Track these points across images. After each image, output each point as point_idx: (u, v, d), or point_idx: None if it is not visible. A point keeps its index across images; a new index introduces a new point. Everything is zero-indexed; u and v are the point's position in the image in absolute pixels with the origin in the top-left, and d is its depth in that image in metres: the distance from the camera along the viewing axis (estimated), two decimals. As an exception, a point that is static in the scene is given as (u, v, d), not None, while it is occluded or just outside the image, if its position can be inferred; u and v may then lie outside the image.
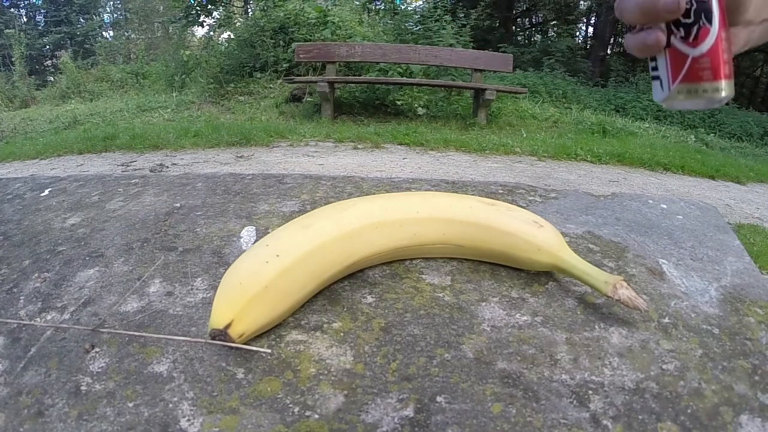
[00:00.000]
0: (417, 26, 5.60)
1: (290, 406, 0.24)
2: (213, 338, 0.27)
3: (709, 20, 0.37)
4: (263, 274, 0.28)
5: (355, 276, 0.34)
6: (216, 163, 3.31)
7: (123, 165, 3.30)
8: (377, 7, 6.80)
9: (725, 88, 0.38)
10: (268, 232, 0.33)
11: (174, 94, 6.08)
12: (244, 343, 0.28)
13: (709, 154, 4.25)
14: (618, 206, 0.48)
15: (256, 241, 0.38)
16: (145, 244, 0.40)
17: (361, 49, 4.26)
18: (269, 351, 0.27)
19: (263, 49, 5.78)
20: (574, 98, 5.77)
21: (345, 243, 0.32)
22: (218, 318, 0.27)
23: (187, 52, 6.85)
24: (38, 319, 0.31)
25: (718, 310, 0.32)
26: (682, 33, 0.38)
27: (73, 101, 6.50)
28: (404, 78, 4.40)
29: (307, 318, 0.30)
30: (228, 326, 0.27)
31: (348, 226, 0.32)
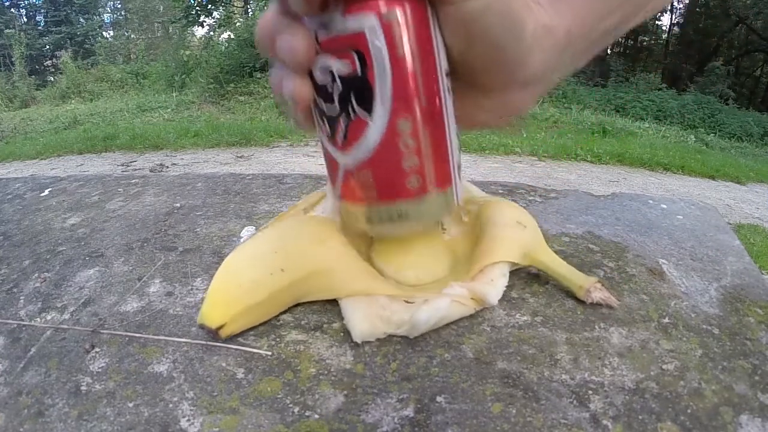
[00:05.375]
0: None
1: (290, 406, 0.24)
2: (201, 328, 0.28)
3: (366, 106, 0.20)
4: (265, 287, 0.28)
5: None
6: (216, 163, 3.31)
7: (123, 165, 3.30)
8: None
9: (415, 208, 0.24)
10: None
11: (174, 94, 6.08)
12: (244, 345, 0.28)
13: (709, 154, 4.25)
14: (618, 206, 0.48)
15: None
16: (145, 244, 0.40)
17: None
18: (269, 353, 0.27)
19: (263, 49, 5.77)
20: (574, 98, 5.77)
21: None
22: (212, 317, 0.27)
23: (187, 52, 6.85)
24: (38, 320, 0.31)
25: (718, 310, 0.32)
26: (328, 129, 0.23)
27: (73, 101, 6.50)
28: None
29: (307, 318, 0.30)
30: (220, 327, 0.27)
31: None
